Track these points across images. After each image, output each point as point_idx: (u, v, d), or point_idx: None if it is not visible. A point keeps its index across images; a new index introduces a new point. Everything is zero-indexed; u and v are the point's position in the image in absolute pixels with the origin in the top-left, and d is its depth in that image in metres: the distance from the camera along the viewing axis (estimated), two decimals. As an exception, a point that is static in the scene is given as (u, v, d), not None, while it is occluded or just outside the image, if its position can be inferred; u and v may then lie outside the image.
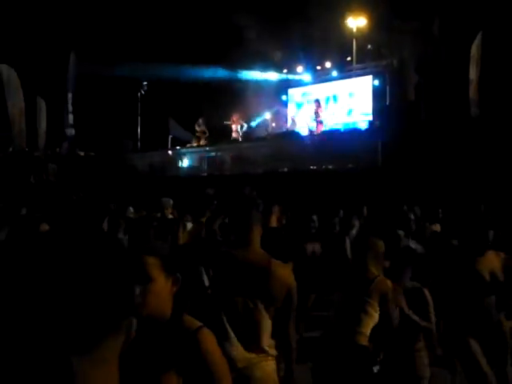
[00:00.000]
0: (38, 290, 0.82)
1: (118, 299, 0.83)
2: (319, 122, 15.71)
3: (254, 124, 18.62)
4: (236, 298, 2.26)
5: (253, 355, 2.24)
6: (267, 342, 2.31)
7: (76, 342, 0.79)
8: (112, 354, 0.83)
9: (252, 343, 2.26)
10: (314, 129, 15.60)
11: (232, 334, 2.24)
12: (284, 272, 2.37)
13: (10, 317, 0.82)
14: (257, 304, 2.26)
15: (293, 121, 17.53)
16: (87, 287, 0.81)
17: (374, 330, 3.06)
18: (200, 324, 1.49)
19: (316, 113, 15.80)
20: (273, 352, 2.32)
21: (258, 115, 19.11)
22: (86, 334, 0.80)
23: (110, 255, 0.91)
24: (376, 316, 3.04)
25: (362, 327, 3.01)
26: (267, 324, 2.29)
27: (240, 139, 16.26)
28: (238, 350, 2.23)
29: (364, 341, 3.01)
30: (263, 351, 2.28)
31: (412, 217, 6.86)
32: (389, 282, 3.07)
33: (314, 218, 6.46)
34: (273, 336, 2.37)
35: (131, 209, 7.47)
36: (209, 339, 1.48)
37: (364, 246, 3.17)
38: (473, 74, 12.63)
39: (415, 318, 3.12)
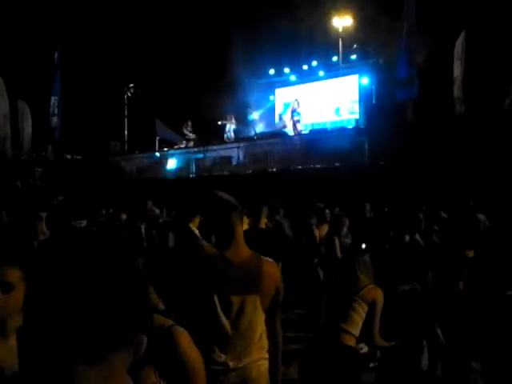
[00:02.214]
0: (51, 298, 0.82)
1: (131, 314, 0.81)
2: (296, 121, 15.83)
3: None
4: (232, 297, 2.24)
5: (250, 355, 2.24)
6: (264, 339, 2.32)
7: (85, 351, 0.77)
8: (120, 368, 0.82)
9: (251, 342, 2.26)
10: (292, 129, 15.75)
11: (229, 335, 2.23)
12: (273, 269, 2.39)
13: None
14: (254, 302, 2.27)
15: (280, 121, 17.56)
16: (103, 298, 0.79)
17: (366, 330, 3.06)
18: (172, 323, 1.48)
19: (293, 112, 15.88)
20: (267, 350, 2.34)
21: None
22: (97, 345, 0.78)
23: (129, 269, 0.89)
24: (364, 316, 3.04)
25: (349, 325, 3.00)
26: (263, 322, 2.31)
27: (230, 140, 16.29)
28: (235, 351, 2.22)
29: (350, 341, 3.00)
30: (261, 349, 2.30)
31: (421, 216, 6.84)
32: (379, 291, 3.09)
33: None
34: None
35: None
36: (183, 336, 1.46)
37: (355, 263, 3.20)
38: (457, 71, 12.72)
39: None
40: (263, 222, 4.61)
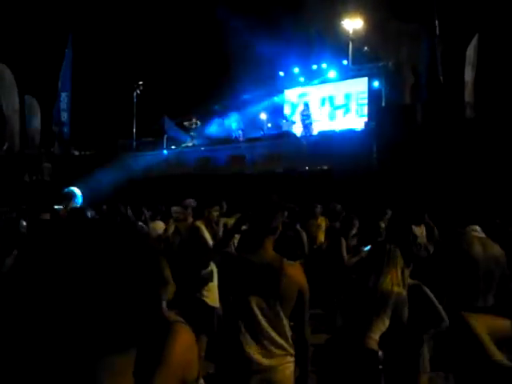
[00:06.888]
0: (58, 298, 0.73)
1: (143, 306, 0.75)
2: (309, 125, 15.88)
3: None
4: (252, 300, 2.27)
5: (274, 357, 2.27)
6: (287, 341, 2.33)
7: (100, 354, 0.71)
8: (130, 365, 0.76)
9: (273, 344, 2.28)
10: (303, 132, 15.82)
11: (251, 337, 2.26)
12: (295, 271, 2.38)
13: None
14: (274, 304, 2.28)
15: (288, 121, 17.53)
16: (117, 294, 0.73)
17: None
18: (181, 319, 1.44)
19: (303, 115, 15.95)
20: (292, 352, 2.34)
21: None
22: (113, 345, 0.72)
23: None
24: (387, 322, 3.00)
25: (372, 332, 2.97)
26: (285, 324, 2.32)
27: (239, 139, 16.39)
28: (258, 353, 2.25)
29: (373, 345, 2.96)
30: (284, 350, 2.30)
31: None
32: (404, 292, 3.04)
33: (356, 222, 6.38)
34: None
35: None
36: (182, 332, 1.39)
37: (384, 257, 3.10)
38: (468, 76, 12.64)
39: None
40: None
